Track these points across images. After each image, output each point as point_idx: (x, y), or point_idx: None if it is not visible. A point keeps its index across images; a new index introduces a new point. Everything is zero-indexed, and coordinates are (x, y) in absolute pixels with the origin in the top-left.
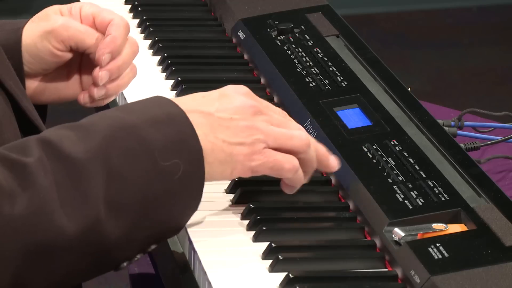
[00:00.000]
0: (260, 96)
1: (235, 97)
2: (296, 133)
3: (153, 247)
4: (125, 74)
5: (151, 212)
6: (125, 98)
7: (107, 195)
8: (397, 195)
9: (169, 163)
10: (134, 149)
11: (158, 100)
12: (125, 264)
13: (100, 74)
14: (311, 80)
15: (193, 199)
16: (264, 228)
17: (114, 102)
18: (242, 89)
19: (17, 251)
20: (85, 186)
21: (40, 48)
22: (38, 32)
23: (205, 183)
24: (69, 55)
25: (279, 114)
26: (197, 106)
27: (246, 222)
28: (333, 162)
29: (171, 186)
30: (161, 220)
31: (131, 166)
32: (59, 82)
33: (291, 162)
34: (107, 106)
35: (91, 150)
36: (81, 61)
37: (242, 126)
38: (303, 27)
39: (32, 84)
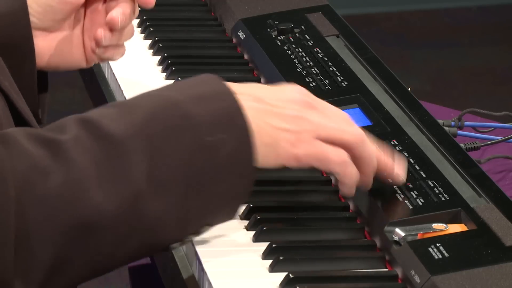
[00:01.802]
0: None
1: (290, 91)
2: (349, 128)
3: (207, 228)
4: (126, 31)
5: (197, 189)
6: (125, 98)
7: (148, 172)
8: (397, 195)
9: (214, 138)
10: (177, 125)
11: (206, 78)
12: (175, 245)
13: (120, 16)
14: (311, 80)
15: (243, 178)
16: (264, 228)
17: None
18: (301, 88)
19: (54, 230)
20: (124, 164)
21: None
22: None
23: None
24: (78, 1)
25: (337, 113)
26: (249, 90)
27: (246, 222)
28: (398, 174)
29: (217, 162)
30: (210, 199)
31: (173, 142)
32: (65, 44)
33: (339, 155)
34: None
35: (132, 127)
36: (83, 27)
37: (292, 115)
38: (303, 27)
39: (40, 42)
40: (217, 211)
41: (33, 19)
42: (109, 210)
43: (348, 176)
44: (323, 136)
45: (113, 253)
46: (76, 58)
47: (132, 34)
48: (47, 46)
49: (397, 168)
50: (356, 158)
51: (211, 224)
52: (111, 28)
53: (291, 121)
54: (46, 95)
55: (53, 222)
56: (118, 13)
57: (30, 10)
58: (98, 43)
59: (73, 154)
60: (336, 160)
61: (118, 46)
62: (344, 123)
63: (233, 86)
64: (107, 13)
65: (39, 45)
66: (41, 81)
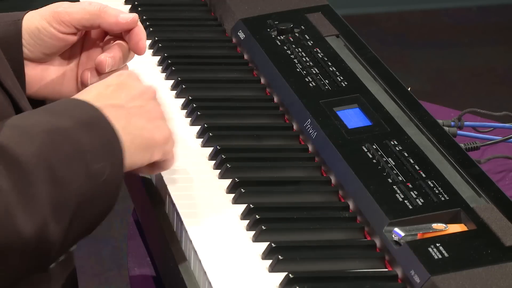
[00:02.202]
0: (260, 96)
1: (133, 84)
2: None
3: (74, 247)
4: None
5: (83, 214)
6: None
7: (51, 199)
8: (397, 195)
9: (99, 166)
10: (70, 153)
11: (77, 103)
12: (53, 264)
13: (108, 60)
14: (311, 80)
15: (111, 201)
16: (264, 228)
17: None
18: (132, 74)
19: None
20: (35, 190)
21: (42, 30)
22: (40, 16)
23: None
24: (71, 38)
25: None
26: (107, 100)
27: (246, 222)
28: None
29: (97, 189)
30: (87, 223)
31: (69, 170)
32: (56, 76)
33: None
34: None
35: (36, 154)
36: (79, 59)
37: (154, 111)
38: (303, 27)
39: (30, 71)
40: (88, 231)
41: (23, 49)
42: (26, 235)
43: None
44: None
45: (8, 274)
46: (66, 90)
47: None
48: (36, 76)
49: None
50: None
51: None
52: (99, 71)
53: (157, 116)
54: None
55: None
56: (107, 56)
57: (22, 40)
58: (83, 84)
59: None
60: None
61: None
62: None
63: (94, 101)
64: (103, 51)
65: (28, 74)
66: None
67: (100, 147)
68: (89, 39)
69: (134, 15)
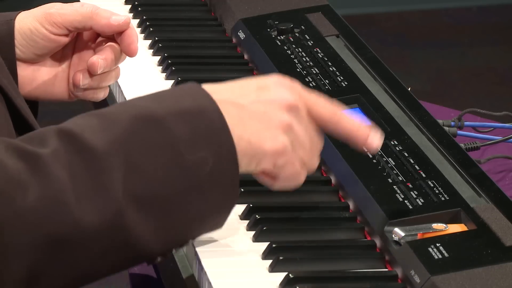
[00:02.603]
0: None
1: (274, 89)
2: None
3: (190, 242)
4: (109, 73)
5: (178, 208)
6: (125, 98)
7: (126, 189)
8: (397, 195)
9: (195, 157)
10: (156, 142)
11: (191, 90)
12: (159, 259)
13: (100, 62)
14: (311, 80)
15: (227, 196)
16: (264, 228)
17: (111, 97)
18: (285, 81)
19: (31, 243)
20: (104, 179)
21: (34, 31)
22: (33, 16)
23: None
24: (63, 40)
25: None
26: (232, 97)
27: (246, 222)
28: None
29: (198, 181)
30: (191, 217)
31: (152, 159)
32: (48, 77)
33: (303, 177)
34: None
35: (112, 142)
36: (71, 60)
37: (277, 121)
38: (303, 27)
39: (22, 72)
40: (200, 226)
41: (17, 51)
42: (88, 226)
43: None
44: (303, 157)
45: (92, 267)
46: (58, 91)
47: (116, 78)
48: (28, 77)
49: (371, 135)
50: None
51: (195, 237)
52: (91, 73)
53: (276, 128)
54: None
55: (29, 236)
56: (99, 58)
57: (16, 43)
58: (75, 86)
59: (52, 168)
60: (301, 182)
61: (99, 89)
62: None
63: (216, 94)
64: (94, 53)
65: (20, 75)
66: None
67: (199, 138)
68: (81, 40)
69: (127, 17)
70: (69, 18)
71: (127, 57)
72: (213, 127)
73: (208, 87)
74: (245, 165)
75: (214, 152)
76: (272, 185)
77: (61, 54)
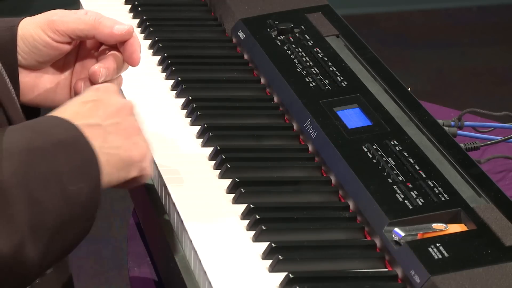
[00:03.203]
0: (260, 96)
1: (109, 100)
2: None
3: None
4: (112, 81)
5: (61, 236)
6: (125, 98)
7: (28, 219)
8: (397, 195)
9: (75, 188)
10: (46, 174)
11: (57, 122)
12: (49, 270)
13: (102, 71)
14: (311, 80)
15: (89, 222)
16: (264, 228)
17: None
18: (109, 89)
19: None
20: (11, 210)
21: (36, 38)
22: (35, 23)
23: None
24: (66, 48)
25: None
26: (85, 119)
27: (246, 222)
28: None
29: (76, 210)
30: (67, 244)
31: (45, 191)
32: (50, 84)
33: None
34: None
35: (13, 175)
36: (73, 68)
37: (131, 127)
38: (303, 27)
39: (24, 78)
40: (68, 251)
41: (19, 58)
42: (2, 255)
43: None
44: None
45: None
46: (59, 99)
47: (118, 86)
48: (30, 83)
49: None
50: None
51: (59, 261)
52: (92, 81)
53: (135, 133)
54: None
55: None
56: (100, 67)
57: (18, 49)
58: (77, 95)
59: None
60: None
61: None
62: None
63: (73, 119)
64: (98, 60)
65: (22, 81)
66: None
67: (76, 169)
68: (84, 48)
69: (130, 27)
70: (72, 26)
71: None
72: (86, 158)
73: (61, 114)
74: (115, 179)
75: (88, 184)
76: (127, 187)
77: (63, 62)
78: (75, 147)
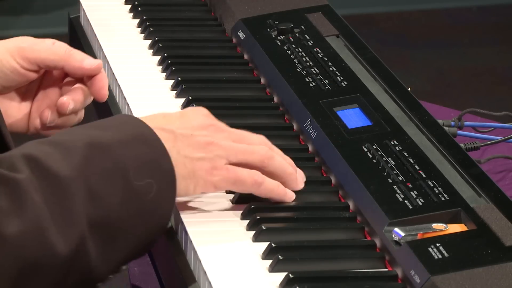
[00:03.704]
0: (260, 96)
1: (194, 116)
2: (256, 148)
3: (124, 267)
4: (74, 114)
5: (125, 233)
6: (125, 98)
7: (88, 214)
8: (397, 195)
9: (143, 183)
10: (109, 169)
11: (128, 119)
12: (99, 284)
13: (70, 102)
14: (311, 80)
15: (163, 220)
16: (264, 228)
17: (116, 106)
18: (202, 110)
19: (12, 269)
20: (70, 204)
21: (4, 63)
22: (6, 48)
23: None
24: (32, 75)
25: (241, 134)
26: (159, 124)
27: (246, 222)
28: (300, 176)
29: (143, 206)
30: (135, 241)
31: (106, 185)
32: (9, 109)
33: (252, 176)
34: None
35: (74, 169)
36: (35, 96)
37: (203, 142)
38: (303, 27)
39: None
40: (138, 251)
41: None
42: (62, 251)
43: (265, 192)
44: (235, 160)
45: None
46: (18, 124)
47: (79, 120)
48: None
49: (299, 179)
50: (269, 174)
51: (132, 259)
52: (59, 112)
53: (203, 148)
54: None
55: (11, 262)
56: (69, 99)
57: None
58: (42, 122)
59: (29, 194)
60: (251, 182)
61: (63, 127)
62: (250, 137)
63: (148, 120)
64: (61, 92)
65: None
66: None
67: (144, 165)
68: (49, 77)
69: (99, 62)
70: (42, 56)
71: (127, 57)
72: (156, 154)
73: (141, 118)
74: (184, 189)
75: (158, 179)
76: (260, 194)
77: (26, 88)
78: (145, 143)
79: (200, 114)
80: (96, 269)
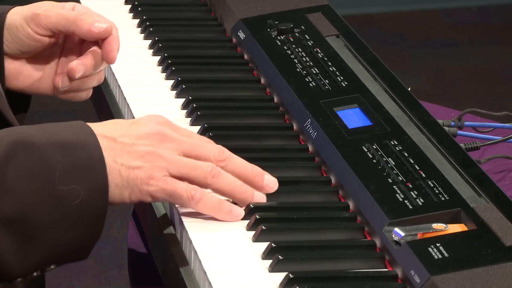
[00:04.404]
0: (260, 96)
1: (144, 124)
2: (200, 164)
3: (52, 267)
4: (92, 76)
5: (44, 235)
6: (125, 98)
7: (1, 209)
8: (397, 195)
9: (68, 188)
10: (31, 168)
11: (77, 125)
12: (19, 279)
13: (79, 67)
14: (311, 80)
15: (93, 227)
16: (264, 228)
17: (116, 106)
18: (158, 118)
19: None
20: None
21: (20, 29)
22: (21, 14)
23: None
24: (48, 40)
25: (194, 140)
26: (104, 131)
27: (246, 222)
28: (268, 181)
29: (69, 211)
30: (55, 245)
31: (25, 183)
32: (34, 73)
33: (190, 192)
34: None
35: None
36: (59, 59)
37: (143, 152)
38: (303, 27)
39: (8, 65)
40: (63, 254)
41: (4, 46)
42: None
43: (203, 209)
44: (177, 174)
45: None
46: (43, 87)
47: (99, 81)
48: (14, 70)
49: (267, 178)
50: (215, 191)
51: (58, 264)
52: (69, 77)
53: (142, 157)
54: (23, 116)
55: None
56: (78, 63)
57: (3, 39)
58: (55, 87)
59: None
60: (187, 197)
61: (80, 91)
62: (199, 154)
63: (96, 129)
64: (81, 54)
65: (6, 68)
66: (22, 102)
67: (74, 170)
68: (69, 42)
69: (109, 25)
70: (54, 21)
71: (127, 57)
72: (89, 161)
73: (91, 124)
74: (118, 196)
75: (87, 186)
76: (193, 206)
77: (49, 52)
78: (81, 149)
79: (154, 121)
80: (8, 264)
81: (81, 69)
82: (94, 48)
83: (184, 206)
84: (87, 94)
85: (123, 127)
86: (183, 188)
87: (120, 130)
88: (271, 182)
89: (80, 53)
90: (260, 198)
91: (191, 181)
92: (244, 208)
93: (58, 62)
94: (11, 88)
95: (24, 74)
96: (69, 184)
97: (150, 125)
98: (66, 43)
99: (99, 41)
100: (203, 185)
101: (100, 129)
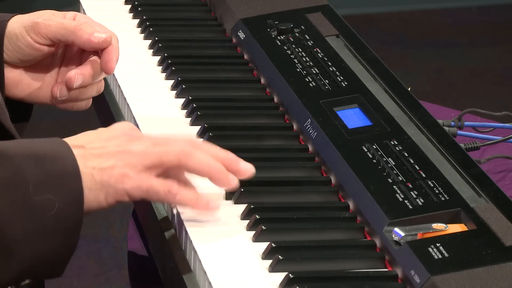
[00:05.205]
0: (260, 96)
1: (113, 129)
2: (171, 147)
3: (27, 282)
4: (91, 86)
5: (18, 247)
6: (125, 98)
7: None
8: (397, 195)
9: (42, 198)
10: (4, 178)
11: (53, 139)
12: None
13: (77, 77)
14: (311, 80)
15: (69, 238)
16: (264, 228)
17: (116, 106)
18: (124, 124)
19: None
20: None
21: (19, 37)
22: (22, 22)
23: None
24: (47, 49)
25: (157, 139)
26: (74, 142)
27: (246, 222)
28: (245, 167)
29: (44, 222)
30: (31, 256)
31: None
32: (34, 82)
33: (166, 186)
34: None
35: None
36: (59, 68)
37: (114, 151)
38: (303, 27)
39: (8, 73)
40: (39, 267)
41: (4, 55)
42: None
43: (180, 203)
44: (148, 163)
45: None
46: (42, 95)
47: (98, 91)
48: (14, 79)
49: (243, 164)
50: (192, 172)
51: (34, 277)
52: (67, 86)
53: (113, 157)
54: (24, 124)
55: None
56: (76, 73)
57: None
58: (53, 96)
59: None
60: (162, 191)
61: (79, 100)
62: (168, 144)
63: (68, 141)
64: (81, 63)
65: (6, 76)
66: (24, 111)
67: (48, 180)
68: (69, 51)
69: (108, 35)
70: (53, 30)
71: (127, 57)
72: (63, 172)
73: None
74: (94, 201)
75: (62, 197)
76: (169, 202)
77: (49, 61)
78: (55, 160)
79: (121, 127)
80: None
81: (79, 79)
82: (94, 58)
83: (162, 202)
84: (86, 103)
85: (91, 134)
86: (159, 183)
87: (88, 137)
88: (246, 167)
89: (80, 63)
90: (234, 181)
91: (166, 169)
92: (224, 192)
93: (58, 71)
94: (11, 97)
95: (23, 83)
96: (43, 194)
97: (118, 129)
98: (67, 52)
99: (99, 51)
100: (179, 167)
101: (71, 140)
